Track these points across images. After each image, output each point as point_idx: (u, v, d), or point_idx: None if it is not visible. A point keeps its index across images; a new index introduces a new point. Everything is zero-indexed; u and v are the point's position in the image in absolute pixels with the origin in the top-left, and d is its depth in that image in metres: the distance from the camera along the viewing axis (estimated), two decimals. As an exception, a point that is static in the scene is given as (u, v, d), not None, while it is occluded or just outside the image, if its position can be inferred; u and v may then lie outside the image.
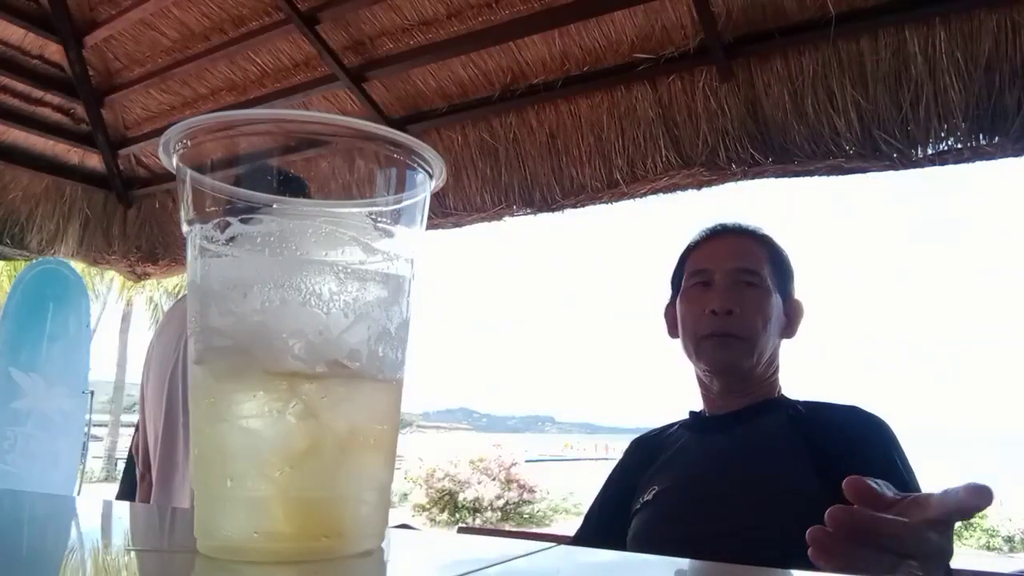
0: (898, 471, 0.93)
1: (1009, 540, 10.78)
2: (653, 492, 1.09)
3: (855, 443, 0.96)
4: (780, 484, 0.97)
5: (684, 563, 0.51)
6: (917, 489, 0.94)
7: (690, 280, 1.15)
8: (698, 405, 1.20)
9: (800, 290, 1.18)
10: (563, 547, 0.50)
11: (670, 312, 1.22)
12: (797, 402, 1.09)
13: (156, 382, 1.73)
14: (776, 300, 1.11)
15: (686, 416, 1.21)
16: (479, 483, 12.33)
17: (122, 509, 0.74)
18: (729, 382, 1.12)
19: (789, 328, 1.13)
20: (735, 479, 1.02)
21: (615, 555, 0.59)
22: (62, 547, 0.51)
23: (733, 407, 1.11)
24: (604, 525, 1.16)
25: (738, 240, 1.17)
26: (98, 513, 0.69)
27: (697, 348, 1.12)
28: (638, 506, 1.11)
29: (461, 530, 1.44)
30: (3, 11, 2.58)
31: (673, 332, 1.20)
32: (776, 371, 1.13)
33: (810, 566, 0.91)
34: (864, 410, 1.01)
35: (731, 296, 1.08)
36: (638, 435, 1.28)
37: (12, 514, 0.66)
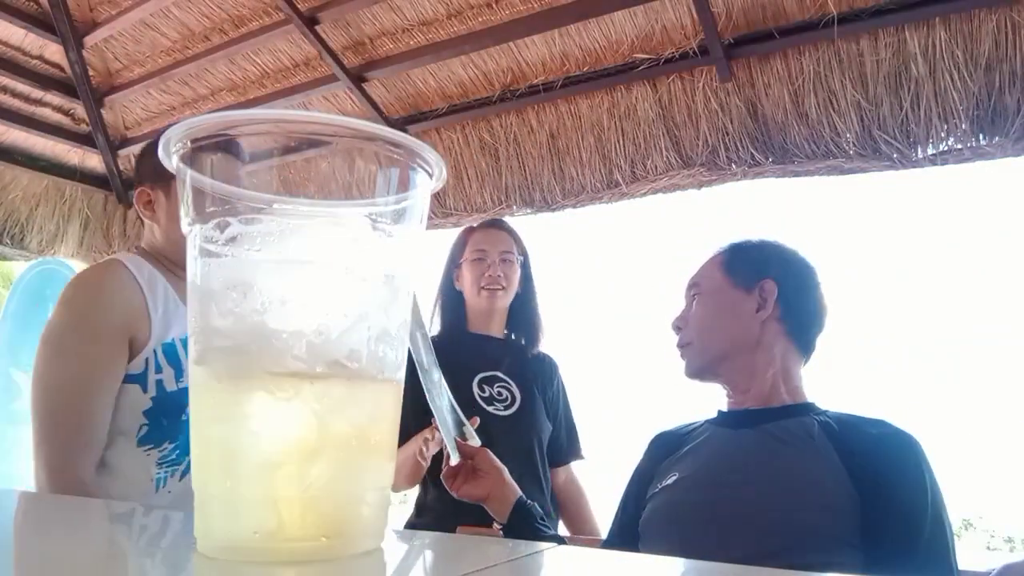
0: (926, 489, 0.95)
1: (1009, 540, 10.78)
2: (674, 478, 1.11)
3: (887, 457, 0.98)
4: (807, 478, 0.98)
5: (685, 564, 0.51)
6: (939, 506, 0.95)
7: None
8: (724, 406, 1.22)
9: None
10: (563, 547, 0.50)
11: None
12: (826, 411, 1.10)
13: None
14: (729, 295, 1.17)
15: (712, 415, 1.22)
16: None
17: (122, 510, 0.74)
18: (722, 383, 1.18)
19: (762, 309, 1.15)
20: (760, 469, 1.03)
21: (615, 555, 0.59)
22: (62, 547, 0.51)
23: (752, 404, 1.13)
24: (628, 519, 1.17)
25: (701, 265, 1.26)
26: (98, 513, 0.69)
27: None
28: (656, 490, 1.13)
29: (461, 530, 1.44)
30: (3, 11, 2.58)
31: None
32: (773, 362, 1.14)
33: (827, 555, 0.92)
34: (894, 425, 1.03)
35: (680, 314, 1.23)
36: (660, 431, 1.29)
37: (13, 514, 0.66)
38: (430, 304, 1.86)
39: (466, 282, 1.76)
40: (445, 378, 1.27)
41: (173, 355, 1.20)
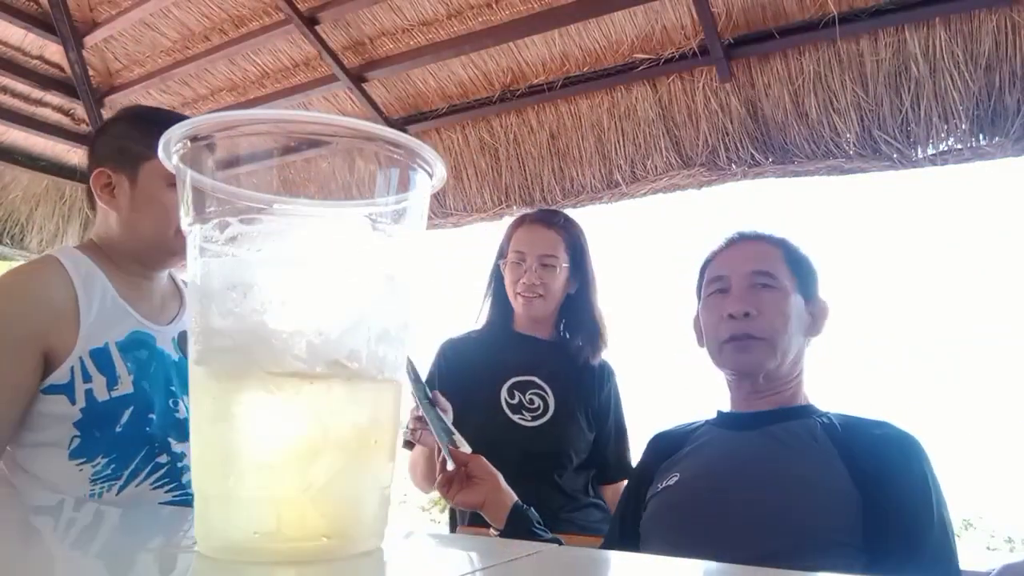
0: (929, 491, 0.95)
1: (1009, 540, 10.78)
2: (675, 479, 1.10)
3: (889, 459, 0.97)
4: (811, 480, 0.98)
5: (685, 564, 0.51)
6: (942, 508, 0.95)
7: (709, 288, 1.17)
8: (723, 406, 1.20)
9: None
10: (562, 547, 0.50)
11: (696, 323, 1.24)
12: (828, 413, 1.10)
13: None
14: (796, 300, 1.12)
15: (712, 415, 1.22)
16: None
17: (122, 509, 0.74)
18: (755, 383, 1.13)
19: (814, 326, 1.14)
20: (764, 470, 1.02)
21: (615, 556, 0.59)
22: (62, 547, 0.51)
23: (763, 407, 1.12)
24: (629, 520, 1.17)
25: (753, 245, 1.18)
26: (99, 514, 0.70)
27: (720, 353, 1.14)
28: (656, 491, 1.12)
29: (461, 530, 1.44)
30: (3, 11, 2.58)
31: (700, 342, 1.23)
32: (801, 372, 1.14)
33: (829, 557, 0.92)
34: (896, 426, 1.02)
35: (747, 298, 1.10)
36: (659, 431, 1.28)
37: (13, 515, 0.66)
38: (480, 297, 1.72)
39: (506, 283, 1.64)
40: (478, 377, 1.26)
41: (105, 362, 1.08)
